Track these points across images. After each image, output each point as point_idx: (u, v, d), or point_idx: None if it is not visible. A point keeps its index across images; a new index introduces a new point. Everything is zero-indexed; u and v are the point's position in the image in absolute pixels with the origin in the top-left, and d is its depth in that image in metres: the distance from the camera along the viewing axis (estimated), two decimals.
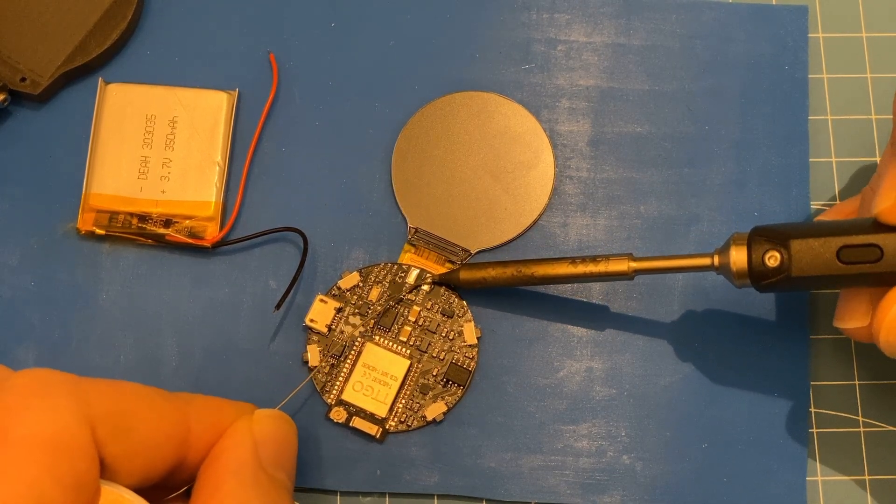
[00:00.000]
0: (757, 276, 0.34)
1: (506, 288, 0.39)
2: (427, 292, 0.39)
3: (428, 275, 0.39)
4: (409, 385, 0.38)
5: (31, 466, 0.26)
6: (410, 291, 0.39)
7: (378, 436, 0.38)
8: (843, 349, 0.40)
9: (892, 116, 0.41)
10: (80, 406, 0.28)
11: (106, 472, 0.29)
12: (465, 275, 0.38)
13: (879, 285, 0.33)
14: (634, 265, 0.36)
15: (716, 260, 0.35)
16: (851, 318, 0.35)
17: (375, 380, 0.38)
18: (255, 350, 0.39)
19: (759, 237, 0.34)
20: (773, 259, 0.33)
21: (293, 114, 0.41)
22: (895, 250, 0.32)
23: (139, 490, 0.29)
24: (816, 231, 0.33)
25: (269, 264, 0.40)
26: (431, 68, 0.42)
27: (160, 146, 0.40)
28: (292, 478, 0.33)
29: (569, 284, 0.39)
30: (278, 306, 0.38)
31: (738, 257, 0.34)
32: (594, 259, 0.37)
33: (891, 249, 0.32)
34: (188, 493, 0.31)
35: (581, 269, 0.37)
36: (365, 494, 0.38)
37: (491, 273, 0.38)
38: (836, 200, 0.41)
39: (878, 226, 0.33)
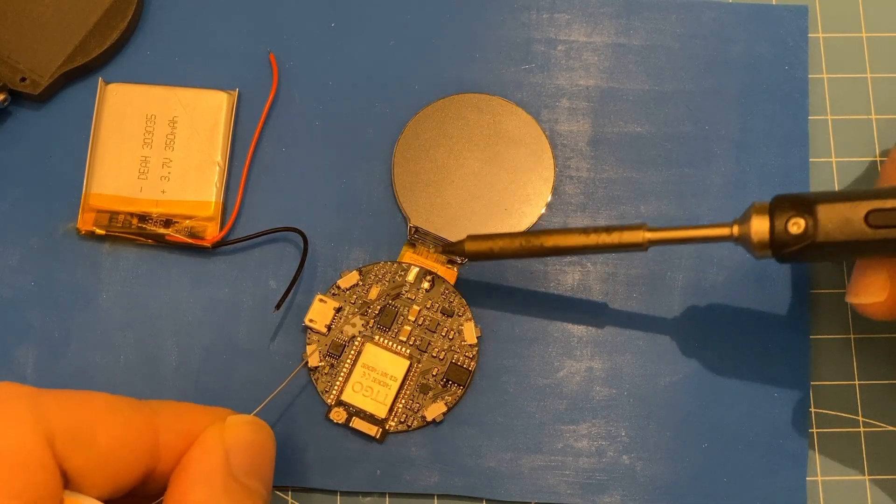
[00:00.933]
0: (779, 244, 0.32)
1: (508, 284, 0.39)
2: (427, 290, 0.39)
3: (428, 274, 0.39)
4: (409, 385, 0.38)
5: None
6: (407, 289, 0.39)
7: (378, 436, 0.38)
8: (843, 349, 0.40)
9: (892, 116, 0.41)
10: (39, 420, 0.28)
11: (71, 484, 0.28)
12: (470, 246, 0.37)
13: None
14: (649, 235, 0.34)
15: (735, 230, 0.34)
16: (868, 293, 0.33)
17: (375, 380, 0.38)
18: (255, 350, 0.39)
19: (783, 203, 0.33)
20: (796, 226, 0.32)
21: (293, 114, 0.41)
22: None
23: (111, 501, 0.29)
24: (843, 196, 0.32)
25: (269, 264, 0.40)
26: (431, 68, 0.42)
27: (160, 146, 0.40)
28: (268, 485, 0.32)
29: (569, 284, 0.39)
30: (278, 306, 0.38)
31: (760, 226, 0.33)
32: (607, 229, 0.35)
33: None
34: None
35: (594, 239, 0.35)
36: (365, 494, 0.38)
37: (498, 244, 0.36)
38: None
39: None
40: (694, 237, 0.34)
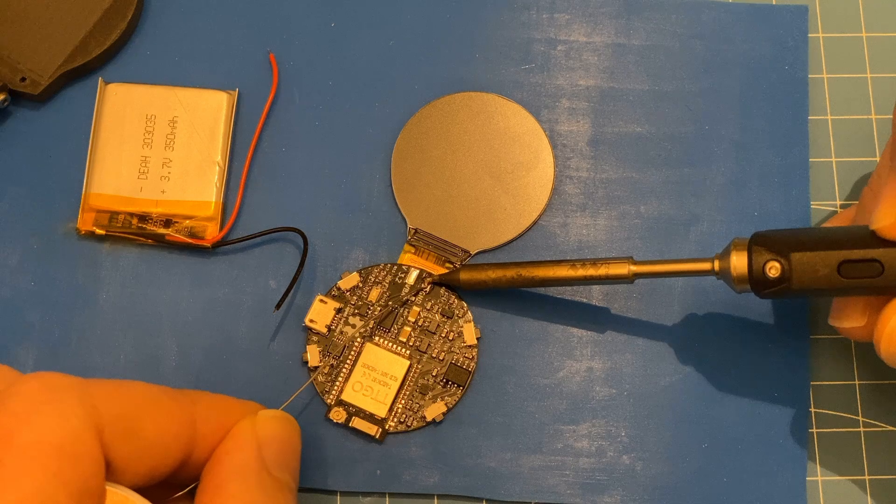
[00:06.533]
0: (758, 284, 0.34)
1: (505, 289, 0.39)
2: (427, 293, 0.39)
3: (427, 276, 0.39)
4: (409, 385, 0.38)
5: (37, 473, 0.26)
6: (415, 295, 0.39)
7: (378, 436, 0.38)
8: (843, 349, 0.40)
9: (891, 117, 0.41)
10: (88, 410, 0.28)
11: (112, 473, 0.29)
12: (465, 276, 0.38)
13: (879, 294, 0.33)
14: (634, 269, 0.36)
15: (716, 265, 0.35)
16: (848, 318, 0.35)
17: (375, 380, 0.38)
18: (255, 350, 0.39)
19: (760, 246, 0.34)
20: (773, 269, 0.33)
21: (293, 114, 0.41)
22: None
23: (143, 488, 0.30)
24: (817, 243, 0.33)
25: (269, 264, 0.40)
26: (431, 68, 0.42)
27: (160, 146, 0.40)
28: (296, 478, 0.33)
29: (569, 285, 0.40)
30: (278, 306, 0.38)
31: (739, 264, 0.34)
32: (594, 263, 0.37)
33: (891, 265, 0.32)
34: (192, 493, 0.31)
35: (581, 272, 0.37)
36: (365, 494, 0.38)
37: (491, 275, 0.38)
38: (836, 200, 0.41)
39: (878, 238, 0.33)
40: (677, 271, 0.36)
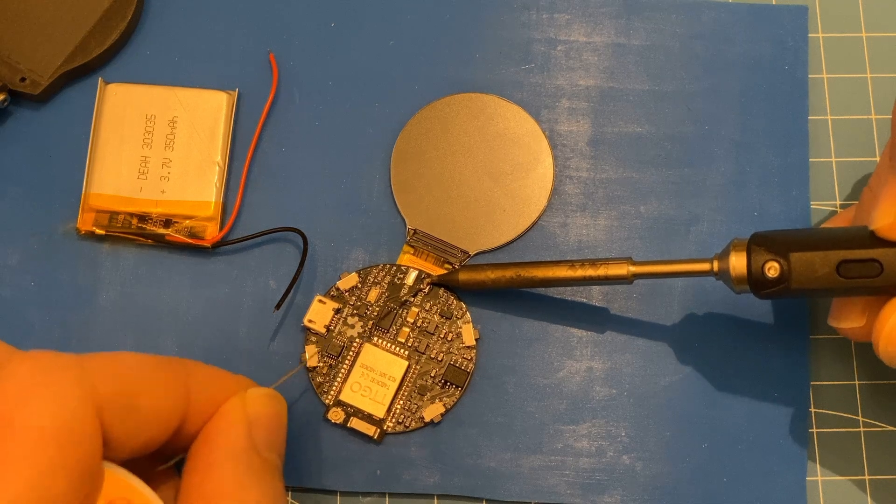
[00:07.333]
0: (757, 285, 0.34)
1: (504, 289, 0.39)
2: (426, 294, 0.39)
3: (426, 276, 0.39)
4: (408, 386, 0.38)
5: (36, 458, 0.26)
6: (414, 295, 0.39)
7: (376, 436, 0.38)
8: (843, 349, 0.40)
9: (891, 117, 0.41)
10: (87, 391, 0.27)
11: (108, 449, 0.28)
12: (464, 276, 0.38)
13: (878, 294, 0.33)
14: (634, 269, 0.36)
15: (715, 266, 0.35)
16: (847, 319, 0.35)
17: (373, 380, 0.38)
18: (255, 350, 0.39)
19: (759, 246, 0.34)
20: (772, 270, 0.33)
21: (293, 114, 0.41)
22: (895, 265, 0.32)
23: (132, 459, 0.29)
24: (816, 243, 0.33)
25: (269, 264, 0.40)
26: (431, 68, 0.42)
27: (160, 146, 0.40)
28: (282, 457, 0.33)
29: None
30: (278, 306, 0.38)
31: (738, 264, 0.34)
32: (593, 263, 0.37)
33: (890, 265, 0.32)
34: (177, 465, 0.31)
35: (580, 272, 0.37)
36: (365, 494, 0.38)
37: (490, 276, 0.38)
38: (836, 200, 0.41)
39: (877, 238, 0.33)
40: (676, 271, 0.36)
